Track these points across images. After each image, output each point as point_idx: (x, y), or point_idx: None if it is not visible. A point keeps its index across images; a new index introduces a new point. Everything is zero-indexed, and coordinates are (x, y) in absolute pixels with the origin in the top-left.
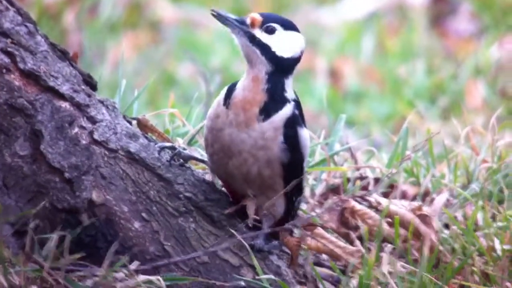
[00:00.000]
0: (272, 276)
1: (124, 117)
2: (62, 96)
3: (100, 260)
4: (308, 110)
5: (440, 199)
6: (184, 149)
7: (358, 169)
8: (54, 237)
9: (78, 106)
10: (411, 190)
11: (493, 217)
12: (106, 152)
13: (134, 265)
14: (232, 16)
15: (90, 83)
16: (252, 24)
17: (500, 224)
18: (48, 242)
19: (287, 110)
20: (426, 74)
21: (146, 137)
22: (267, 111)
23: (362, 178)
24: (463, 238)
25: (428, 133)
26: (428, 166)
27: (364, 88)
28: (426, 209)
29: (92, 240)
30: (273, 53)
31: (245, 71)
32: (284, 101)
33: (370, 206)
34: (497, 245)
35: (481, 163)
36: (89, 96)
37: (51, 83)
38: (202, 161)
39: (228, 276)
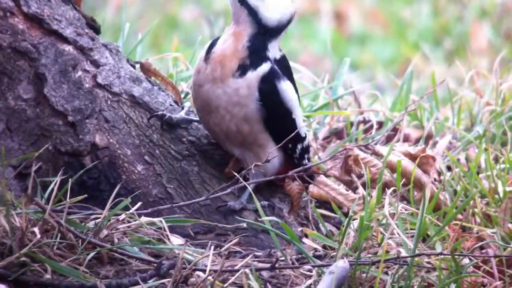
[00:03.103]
0: (274, 218)
1: (128, 61)
2: (65, 40)
3: (103, 203)
4: (312, 53)
5: (443, 142)
6: (182, 107)
7: (361, 113)
8: (57, 179)
9: (81, 49)
10: (414, 133)
11: (496, 159)
12: (110, 96)
13: (136, 207)
14: None
15: (94, 27)
16: None
17: (502, 166)
18: (50, 185)
19: (265, 67)
20: (431, 16)
21: (150, 81)
22: (244, 68)
23: (365, 121)
24: (465, 180)
25: (433, 76)
26: (432, 109)
27: (369, 30)
28: (429, 152)
29: (95, 183)
30: (261, 15)
31: (228, 27)
32: (264, 59)
33: (374, 153)
34: (500, 187)
35: (485, 105)
36: (92, 39)
37: (55, 27)
38: (192, 121)
39: (230, 218)
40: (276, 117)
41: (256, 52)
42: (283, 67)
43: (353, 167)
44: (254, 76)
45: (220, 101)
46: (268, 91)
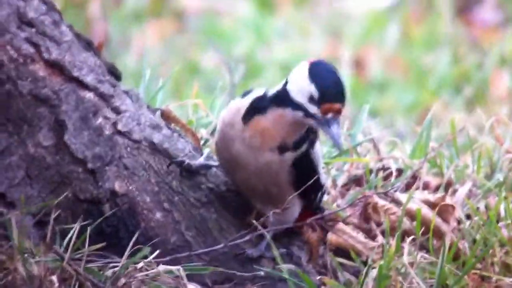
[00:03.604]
0: (292, 266)
1: (148, 107)
2: (86, 87)
3: (122, 250)
4: None
5: (463, 190)
6: (200, 150)
7: (380, 160)
8: (76, 227)
9: (102, 96)
10: (434, 181)
11: None
12: (130, 143)
13: (154, 255)
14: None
15: (115, 73)
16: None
17: None
18: (69, 233)
19: (304, 147)
20: (451, 63)
21: (170, 128)
22: (283, 149)
23: (384, 169)
24: (484, 229)
25: (452, 123)
26: (452, 156)
27: (388, 77)
28: (448, 200)
29: (114, 230)
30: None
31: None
32: (304, 140)
33: (393, 201)
34: None
35: (505, 153)
36: (113, 86)
37: (76, 73)
38: (212, 166)
39: (248, 266)
40: (305, 177)
41: (299, 135)
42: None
43: (372, 214)
44: (292, 155)
45: (250, 165)
46: (302, 163)
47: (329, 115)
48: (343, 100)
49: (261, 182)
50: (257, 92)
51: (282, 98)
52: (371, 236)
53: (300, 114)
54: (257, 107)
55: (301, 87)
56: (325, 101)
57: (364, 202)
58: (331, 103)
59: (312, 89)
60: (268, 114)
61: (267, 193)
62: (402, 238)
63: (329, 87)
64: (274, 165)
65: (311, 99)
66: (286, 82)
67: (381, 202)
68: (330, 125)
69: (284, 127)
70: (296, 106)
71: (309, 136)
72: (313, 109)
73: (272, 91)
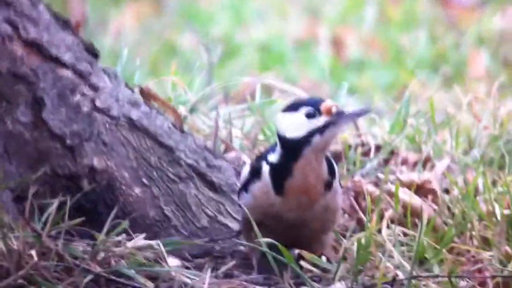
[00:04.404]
0: (270, 240)
1: (126, 85)
2: (64, 65)
3: (101, 225)
4: (310, 78)
5: (441, 165)
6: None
7: (359, 136)
8: (55, 202)
9: (80, 74)
10: (412, 157)
11: (494, 183)
12: (108, 119)
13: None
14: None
15: (92, 52)
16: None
17: (500, 189)
18: (48, 208)
19: (335, 166)
20: (429, 43)
21: (148, 105)
22: (329, 185)
23: (363, 145)
24: (463, 203)
25: (431, 100)
26: (430, 132)
27: (366, 57)
28: (430, 176)
29: (93, 206)
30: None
31: (305, 157)
32: (330, 160)
33: (376, 184)
34: (497, 210)
35: (483, 129)
36: (91, 64)
37: (54, 52)
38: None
39: (227, 240)
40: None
41: (330, 165)
42: None
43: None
44: (336, 181)
45: (312, 219)
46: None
47: (333, 110)
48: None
49: (321, 223)
50: (253, 166)
51: (289, 147)
52: (352, 213)
53: (318, 138)
54: (277, 171)
55: (292, 120)
56: (320, 105)
57: (352, 189)
58: (326, 102)
59: (303, 111)
60: (296, 173)
61: (325, 227)
62: (382, 217)
63: (313, 97)
64: (333, 199)
65: (309, 116)
66: (275, 144)
67: (366, 185)
68: (342, 116)
69: (317, 173)
70: (305, 138)
71: (331, 160)
72: (318, 120)
73: (271, 153)
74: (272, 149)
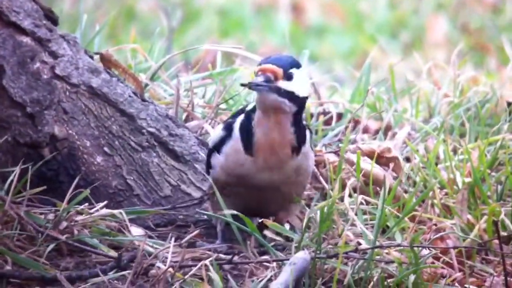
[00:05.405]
0: (234, 211)
1: (86, 52)
2: (23, 31)
3: (63, 194)
4: (271, 45)
5: (402, 133)
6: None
7: (321, 104)
8: (16, 170)
9: (39, 41)
10: (373, 125)
11: (454, 151)
12: (68, 87)
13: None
14: (259, 79)
15: (52, 18)
16: (276, 78)
17: (461, 157)
18: (10, 176)
19: (308, 133)
20: (388, 8)
21: (109, 73)
22: (298, 148)
23: (325, 113)
24: (424, 171)
25: (391, 68)
26: (390, 100)
27: (326, 23)
28: (390, 145)
29: (54, 174)
30: (297, 96)
31: (257, 114)
32: (305, 128)
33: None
34: (458, 178)
35: (443, 97)
36: (50, 31)
37: (13, 18)
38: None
39: (190, 209)
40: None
41: (300, 129)
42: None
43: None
44: (306, 146)
45: (282, 182)
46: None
47: (259, 73)
48: (272, 62)
49: (291, 187)
50: (226, 122)
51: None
52: (315, 182)
53: (256, 96)
54: (245, 134)
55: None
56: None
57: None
58: (261, 64)
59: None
60: (258, 131)
61: (296, 191)
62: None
63: (269, 56)
64: (305, 162)
65: (255, 74)
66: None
67: (327, 155)
68: (252, 81)
69: (282, 133)
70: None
71: (305, 127)
72: (256, 80)
73: (241, 113)
74: (242, 110)
